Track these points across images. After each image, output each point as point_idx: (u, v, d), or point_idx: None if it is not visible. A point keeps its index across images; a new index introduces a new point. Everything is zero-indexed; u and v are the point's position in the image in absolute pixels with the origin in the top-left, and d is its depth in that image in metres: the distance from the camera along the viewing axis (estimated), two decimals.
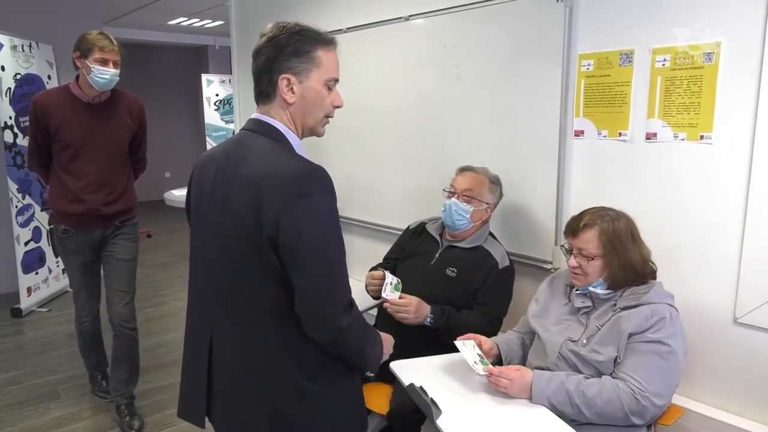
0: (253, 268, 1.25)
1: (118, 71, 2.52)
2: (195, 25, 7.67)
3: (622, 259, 1.66)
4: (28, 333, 3.99)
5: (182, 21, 7.41)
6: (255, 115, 1.35)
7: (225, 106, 8.07)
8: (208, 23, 7.54)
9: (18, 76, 4.33)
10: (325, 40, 1.32)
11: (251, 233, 1.22)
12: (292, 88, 1.29)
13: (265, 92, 1.32)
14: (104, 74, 2.48)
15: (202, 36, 8.65)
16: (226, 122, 8.01)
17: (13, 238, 4.30)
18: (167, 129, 9.46)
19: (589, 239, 1.68)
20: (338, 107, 1.37)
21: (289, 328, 1.27)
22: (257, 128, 1.33)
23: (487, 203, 2.15)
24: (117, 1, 6.00)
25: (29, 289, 4.37)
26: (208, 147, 7.43)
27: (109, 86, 2.54)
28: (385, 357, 1.45)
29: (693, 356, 1.82)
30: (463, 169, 2.22)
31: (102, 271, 2.80)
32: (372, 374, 1.41)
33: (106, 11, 6.29)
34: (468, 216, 2.13)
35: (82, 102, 2.56)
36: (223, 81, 8.24)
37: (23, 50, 4.41)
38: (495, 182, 2.19)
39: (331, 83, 1.34)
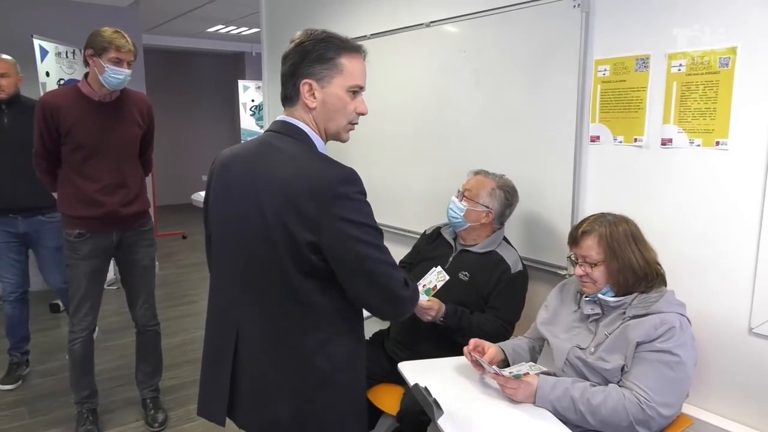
0: (286, 266, 1.28)
1: (131, 71, 2.46)
2: (232, 32, 7.86)
3: (621, 261, 1.65)
4: (65, 327, 4.12)
5: (220, 29, 7.61)
6: (281, 117, 1.39)
7: (260, 111, 8.24)
8: (245, 30, 7.72)
9: (61, 82, 4.51)
10: (351, 48, 1.34)
11: (286, 234, 1.25)
12: (313, 94, 1.32)
13: (289, 96, 1.36)
14: (118, 75, 2.40)
15: (240, 43, 8.86)
16: (261, 127, 8.17)
17: None
18: (205, 133, 9.73)
19: (590, 245, 1.68)
20: (362, 114, 1.39)
21: (321, 322, 1.34)
22: (283, 129, 1.36)
23: (485, 206, 2.14)
24: (157, 10, 6.20)
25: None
26: None
27: (122, 86, 2.48)
28: None
29: (707, 366, 1.78)
30: (476, 172, 2.23)
31: (121, 275, 2.78)
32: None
33: (147, 19, 6.51)
34: (461, 214, 2.14)
35: (92, 101, 2.47)
36: (258, 87, 8.41)
37: (67, 57, 4.60)
38: (502, 188, 2.15)
39: (355, 90, 1.35)
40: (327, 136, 1.39)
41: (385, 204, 3.11)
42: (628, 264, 1.65)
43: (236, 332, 1.39)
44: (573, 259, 1.74)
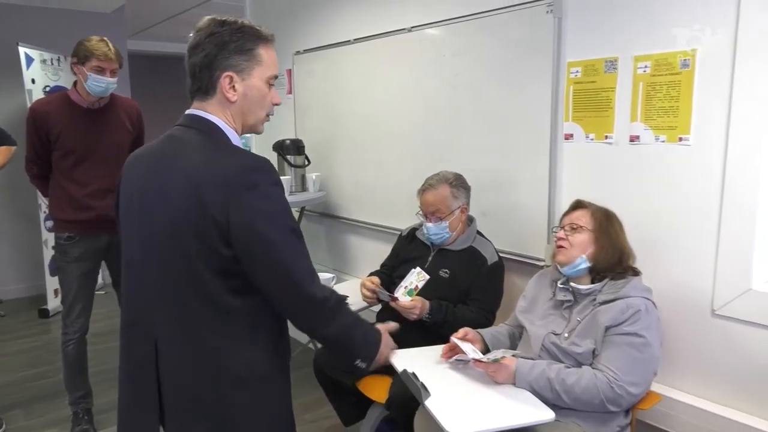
0: (196, 264, 1.21)
1: (115, 79, 2.52)
2: None
3: (614, 240, 1.78)
4: (55, 332, 4.18)
5: None
6: (190, 110, 1.32)
7: None
8: None
9: (47, 89, 4.55)
10: (266, 38, 1.31)
11: (196, 229, 1.19)
12: (234, 86, 1.27)
13: (203, 89, 1.28)
14: (100, 83, 2.47)
15: None
16: None
17: (41, 242, 4.52)
18: None
19: (583, 214, 1.83)
20: (276, 105, 1.37)
21: (237, 328, 1.26)
22: (191, 123, 1.30)
23: (458, 207, 2.25)
24: (142, 15, 6.22)
25: (56, 291, 4.55)
26: None
27: (106, 94, 2.53)
28: (384, 355, 1.50)
29: (673, 347, 1.90)
30: (424, 189, 2.30)
31: (112, 278, 2.79)
32: (363, 364, 1.41)
33: (132, 24, 6.53)
34: (447, 230, 2.26)
35: (81, 108, 2.54)
36: None
37: (52, 64, 4.64)
38: (456, 185, 2.26)
39: (272, 81, 1.33)
40: (244, 130, 1.35)
41: (374, 202, 3.21)
42: (619, 245, 1.79)
43: (155, 343, 1.29)
44: (558, 227, 1.87)
